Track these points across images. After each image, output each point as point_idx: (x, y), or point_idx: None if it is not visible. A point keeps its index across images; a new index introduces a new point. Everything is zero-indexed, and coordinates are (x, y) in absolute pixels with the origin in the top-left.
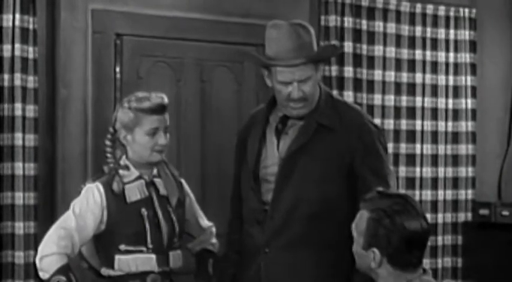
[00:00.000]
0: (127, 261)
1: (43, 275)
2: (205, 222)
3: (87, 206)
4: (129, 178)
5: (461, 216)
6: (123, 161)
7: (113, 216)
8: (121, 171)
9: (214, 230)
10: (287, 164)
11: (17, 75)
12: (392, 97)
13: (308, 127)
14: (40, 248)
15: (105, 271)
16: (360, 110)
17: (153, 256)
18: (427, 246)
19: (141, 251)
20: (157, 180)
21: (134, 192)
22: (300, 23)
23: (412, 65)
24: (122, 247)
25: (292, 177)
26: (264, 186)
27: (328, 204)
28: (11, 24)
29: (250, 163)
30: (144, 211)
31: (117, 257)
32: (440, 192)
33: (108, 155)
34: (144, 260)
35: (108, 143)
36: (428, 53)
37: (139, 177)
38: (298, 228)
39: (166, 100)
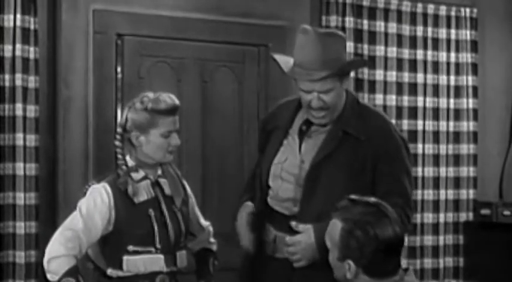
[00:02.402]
0: (135, 261)
1: (51, 277)
2: (203, 221)
3: (95, 207)
4: (136, 179)
5: (463, 216)
6: (130, 161)
7: (121, 217)
8: (132, 174)
9: (211, 229)
10: (313, 173)
11: (18, 76)
12: (393, 97)
13: (333, 136)
14: (47, 250)
15: (112, 272)
16: (384, 116)
17: (161, 256)
18: (401, 251)
19: (149, 252)
20: (162, 181)
21: (141, 193)
22: (331, 31)
23: (413, 64)
24: (130, 248)
25: (319, 186)
26: (277, 183)
27: None
28: (12, 24)
29: (267, 160)
30: (151, 211)
31: (125, 257)
32: (442, 192)
33: (120, 156)
34: (152, 261)
35: (118, 144)
36: (429, 52)
37: (145, 178)
38: None
39: (177, 101)
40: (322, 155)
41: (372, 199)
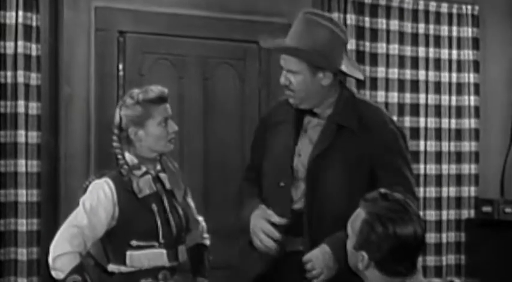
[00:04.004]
0: (139, 256)
1: (57, 274)
2: (197, 215)
3: (99, 202)
4: (138, 174)
5: (465, 213)
6: (130, 159)
7: (125, 212)
8: (135, 171)
9: (204, 224)
10: (313, 170)
11: (20, 73)
12: (395, 94)
13: (328, 130)
14: (52, 247)
15: (113, 267)
16: (381, 109)
17: (164, 251)
18: (420, 253)
19: (153, 246)
20: (162, 175)
21: (143, 188)
22: (320, 22)
23: (415, 62)
24: (134, 243)
25: (319, 182)
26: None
27: (351, 208)
28: (14, 21)
29: (285, 157)
30: (154, 206)
31: (128, 252)
32: (444, 189)
33: (119, 156)
34: (155, 255)
35: (116, 144)
36: (431, 50)
37: (146, 173)
38: (329, 232)
39: (165, 89)
40: (318, 151)
41: (401, 196)
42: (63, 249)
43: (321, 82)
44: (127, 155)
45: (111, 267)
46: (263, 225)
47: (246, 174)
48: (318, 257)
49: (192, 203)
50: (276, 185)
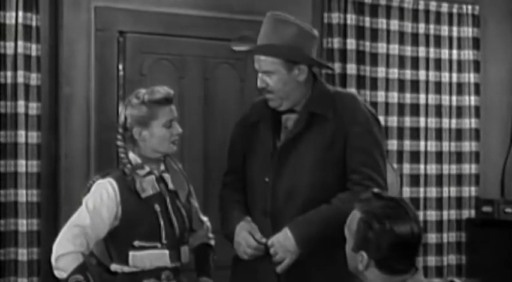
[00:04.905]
0: (141, 257)
1: (59, 274)
2: (202, 216)
3: (102, 202)
4: (141, 174)
5: (465, 213)
6: (134, 158)
7: (127, 212)
8: (138, 171)
9: (209, 224)
10: (283, 154)
11: (20, 73)
12: (395, 94)
13: (301, 118)
14: (55, 247)
15: (116, 267)
16: (354, 95)
17: (167, 252)
18: (418, 251)
19: (155, 247)
20: (165, 176)
21: (147, 188)
22: (286, 20)
23: (415, 62)
24: (136, 243)
25: (287, 165)
26: None
27: (323, 191)
28: (14, 21)
29: (268, 153)
30: (157, 207)
31: (131, 253)
32: (445, 189)
33: (122, 155)
34: (158, 256)
35: (120, 143)
36: (431, 50)
37: (150, 173)
38: (293, 217)
39: (171, 90)
40: (291, 136)
41: (396, 195)
42: (66, 248)
43: (297, 78)
44: (131, 155)
45: (114, 267)
46: (248, 240)
47: (224, 180)
48: (279, 242)
49: (196, 204)
50: (262, 181)
